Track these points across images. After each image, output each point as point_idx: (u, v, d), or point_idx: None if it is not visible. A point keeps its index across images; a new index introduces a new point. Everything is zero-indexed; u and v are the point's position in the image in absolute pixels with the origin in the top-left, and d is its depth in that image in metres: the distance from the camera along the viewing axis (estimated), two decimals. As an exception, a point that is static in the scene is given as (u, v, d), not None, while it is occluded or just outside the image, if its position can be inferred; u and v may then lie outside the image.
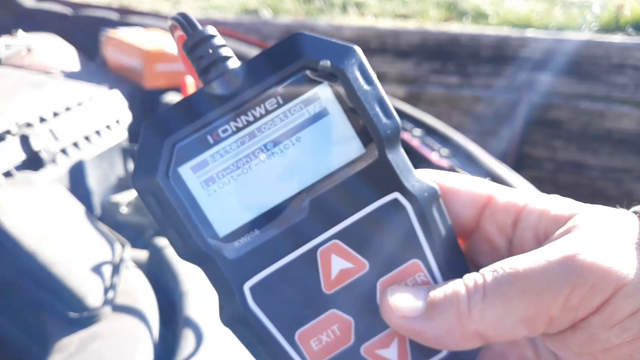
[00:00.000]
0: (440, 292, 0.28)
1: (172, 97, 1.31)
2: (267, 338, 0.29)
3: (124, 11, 1.82)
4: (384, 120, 0.29)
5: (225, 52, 0.29)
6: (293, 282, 0.29)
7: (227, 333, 0.31)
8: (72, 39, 1.53)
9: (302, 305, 0.30)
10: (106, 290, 0.73)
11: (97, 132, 1.13)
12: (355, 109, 0.29)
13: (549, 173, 2.82)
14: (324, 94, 0.29)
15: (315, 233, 0.29)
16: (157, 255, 0.85)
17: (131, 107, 1.27)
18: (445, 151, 1.27)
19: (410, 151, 1.28)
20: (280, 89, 0.28)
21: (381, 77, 2.62)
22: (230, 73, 0.28)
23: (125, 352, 0.65)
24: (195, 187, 0.28)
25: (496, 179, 1.13)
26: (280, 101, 0.28)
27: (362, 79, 0.29)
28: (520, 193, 0.32)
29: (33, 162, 0.94)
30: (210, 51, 0.29)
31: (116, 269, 0.76)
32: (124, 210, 1.03)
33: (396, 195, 0.30)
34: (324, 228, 0.29)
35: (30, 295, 0.72)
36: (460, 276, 0.29)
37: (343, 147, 0.29)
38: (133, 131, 1.24)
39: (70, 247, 0.77)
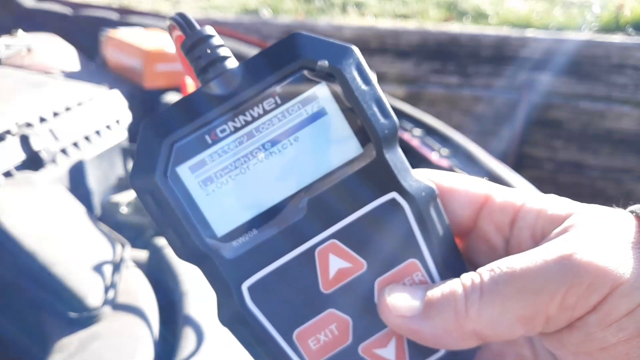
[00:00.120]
0: (438, 291, 0.29)
1: (172, 97, 1.31)
2: (265, 337, 0.30)
3: (124, 11, 1.82)
4: (382, 120, 0.29)
5: (223, 52, 0.29)
6: (291, 282, 0.29)
7: (227, 333, 0.31)
8: (72, 39, 1.53)
9: (300, 304, 0.30)
10: (106, 290, 0.73)
11: (97, 132, 1.14)
12: (353, 109, 0.29)
13: (549, 173, 2.82)
14: (322, 93, 0.29)
15: (313, 233, 0.29)
16: (157, 255, 0.85)
17: (131, 107, 1.27)
18: (445, 151, 1.27)
19: (410, 151, 1.28)
20: (278, 88, 0.29)
21: (381, 77, 2.62)
22: (229, 73, 0.28)
23: (125, 352, 0.65)
24: (193, 186, 0.28)
25: (496, 179, 1.13)
26: (279, 101, 0.29)
27: (359, 79, 0.29)
28: (517, 193, 0.32)
29: (33, 162, 0.94)
30: (209, 51, 0.29)
31: (116, 269, 0.77)
32: (124, 210, 1.03)
33: (394, 194, 0.30)
34: (322, 228, 0.29)
35: (30, 295, 0.72)
36: (458, 275, 0.29)
37: (341, 146, 0.29)
38: (133, 131, 1.24)
39: (70, 247, 0.77)
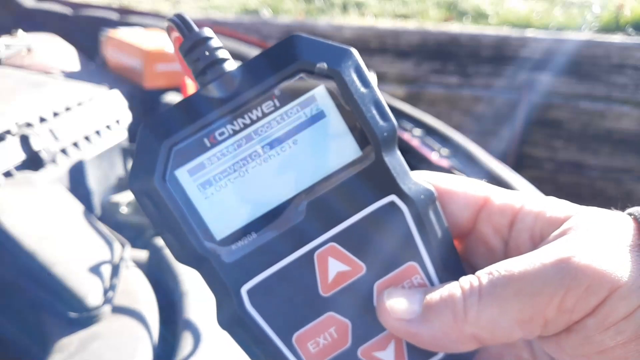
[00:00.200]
0: (437, 294, 0.29)
1: (172, 97, 1.31)
2: (264, 341, 0.30)
3: (124, 11, 1.82)
4: (381, 122, 0.29)
5: (221, 54, 0.29)
6: (290, 285, 0.29)
7: (227, 334, 0.31)
8: (72, 39, 1.53)
9: (299, 308, 0.30)
10: (106, 290, 0.73)
11: (97, 132, 1.13)
12: (351, 112, 0.29)
13: (549, 173, 2.82)
14: (320, 96, 0.29)
15: (312, 236, 0.29)
16: (157, 255, 0.85)
17: (131, 107, 1.27)
18: (445, 151, 1.27)
19: (410, 151, 1.28)
20: (277, 91, 0.28)
21: (381, 77, 2.62)
22: (227, 75, 0.28)
23: (125, 352, 0.65)
24: (192, 190, 0.28)
25: (496, 179, 1.13)
26: (277, 104, 0.29)
27: (358, 81, 0.29)
28: (516, 195, 0.32)
29: (33, 162, 0.94)
30: (207, 53, 0.29)
31: (116, 269, 0.77)
32: (124, 210, 1.03)
33: (393, 197, 0.30)
34: (321, 231, 0.29)
35: (30, 295, 0.72)
36: (457, 278, 0.29)
37: (340, 149, 0.29)
38: (133, 131, 1.24)
39: (70, 247, 0.78)
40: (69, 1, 1.86)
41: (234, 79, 0.28)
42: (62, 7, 1.79)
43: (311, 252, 0.30)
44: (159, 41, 1.41)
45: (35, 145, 0.94)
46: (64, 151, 1.03)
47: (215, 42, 0.29)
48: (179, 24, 0.29)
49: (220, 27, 1.78)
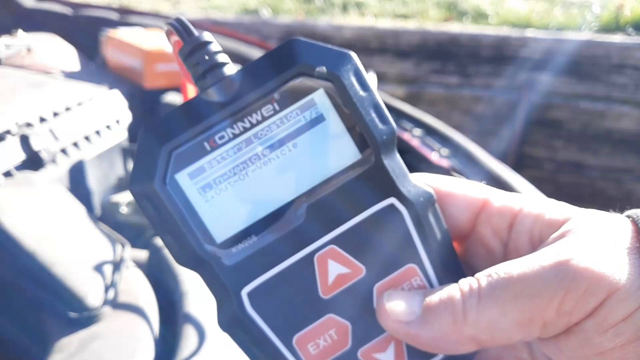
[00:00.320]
0: (436, 296, 0.29)
1: (172, 97, 1.32)
2: (265, 343, 0.30)
3: (124, 11, 1.82)
4: (380, 125, 0.29)
5: (221, 58, 0.29)
6: (290, 288, 0.30)
7: (227, 335, 0.31)
8: (72, 39, 1.53)
9: (299, 310, 0.30)
10: (106, 290, 0.73)
11: (97, 132, 1.14)
12: (351, 115, 0.29)
13: (549, 173, 2.83)
14: (320, 100, 0.29)
15: (312, 238, 0.30)
16: (157, 255, 0.85)
17: (131, 107, 1.27)
18: (445, 151, 1.27)
19: (410, 151, 1.28)
20: (276, 95, 0.29)
21: (381, 77, 2.62)
22: (227, 79, 0.28)
23: (125, 352, 0.65)
24: (192, 193, 0.28)
25: (496, 179, 1.13)
26: (277, 107, 0.29)
27: (357, 84, 0.29)
28: (515, 197, 0.32)
29: (33, 162, 0.94)
30: (207, 57, 0.29)
31: (116, 269, 0.77)
32: (124, 210, 1.04)
33: (392, 200, 0.30)
34: (321, 233, 0.30)
35: (30, 295, 0.72)
36: (456, 280, 0.29)
37: (339, 152, 0.29)
38: (133, 131, 1.24)
39: (70, 247, 0.78)
40: (69, 1, 1.86)
41: (233, 82, 0.28)
42: (62, 7, 1.79)
43: (311, 255, 0.30)
44: (159, 41, 1.41)
45: (35, 145, 0.94)
46: (64, 151, 1.03)
47: (215, 46, 0.29)
48: (179, 28, 0.29)
49: (220, 27, 1.78)
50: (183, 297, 0.74)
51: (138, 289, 0.77)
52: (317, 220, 0.29)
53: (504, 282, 0.27)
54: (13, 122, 0.95)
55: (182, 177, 0.28)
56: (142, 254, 0.89)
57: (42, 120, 1.02)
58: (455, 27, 3.11)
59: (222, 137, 0.28)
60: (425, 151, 1.27)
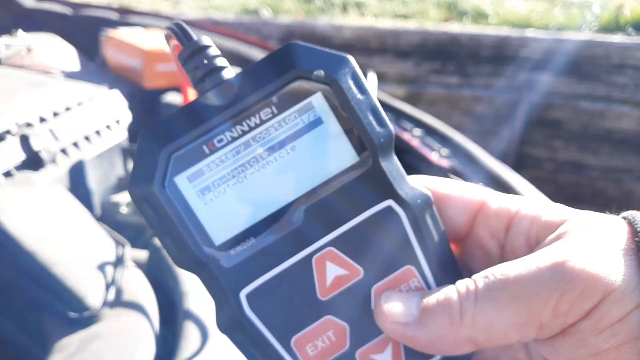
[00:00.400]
0: (433, 298, 0.29)
1: (172, 97, 1.32)
2: (263, 344, 0.30)
3: (124, 11, 1.82)
4: (377, 128, 0.29)
5: (220, 62, 0.29)
6: (289, 289, 0.30)
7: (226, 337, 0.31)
8: (72, 39, 1.53)
9: (297, 311, 0.30)
10: (106, 290, 0.73)
11: (97, 132, 1.14)
12: (349, 118, 0.29)
13: (549, 173, 2.83)
14: (317, 103, 0.29)
15: (310, 240, 0.30)
16: (157, 255, 0.85)
17: (131, 107, 1.27)
18: (445, 151, 1.28)
19: (410, 151, 1.28)
20: (275, 98, 0.29)
21: (381, 77, 2.63)
22: (226, 83, 0.29)
23: (125, 352, 0.65)
24: (191, 196, 0.29)
25: (496, 179, 1.13)
26: (275, 111, 0.29)
27: (355, 88, 0.29)
28: (512, 199, 0.32)
29: (33, 162, 0.94)
30: (205, 62, 0.29)
31: (116, 269, 0.77)
32: (124, 210, 1.04)
33: (390, 202, 0.30)
34: (319, 235, 0.30)
35: (30, 295, 0.72)
36: (454, 282, 0.29)
37: (337, 155, 0.30)
38: (133, 131, 1.24)
39: (70, 247, 0.78)
40: (69, 1, 1.86)
41: (232, 86, 0.29)
42: (62, 7, 1.79)
43: (309, 257, 0.30)
44: (159, 41, 1.41)
45: (35, 145, 0.94)
46: (64, 151, 1.03)
47: (214, 50, 0.29)
48: (178, 32, 0.29)
49: (220, 27, 1.78)
50: (183, 297, 0.74)
51: (138, 289, 0.77)
52: (315, 222, 0.30)
53: (500, 283, 0.27)
54: (13, 122, 0.95)
55: (181, 180, 0.28)
56: (142, 254, 0.89)
57: (42, 120, 1.02)
58: (455, 27, 3.11)
59: (220, 140, 0.29)
60: (425, 151, 1.27)
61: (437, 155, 1.26)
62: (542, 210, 0.31)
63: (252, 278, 0.29)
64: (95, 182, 1.08)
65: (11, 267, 0.74)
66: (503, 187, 1.09)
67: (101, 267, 0.76)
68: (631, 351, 0.26)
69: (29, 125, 0.97)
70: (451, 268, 0.32)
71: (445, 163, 1.23)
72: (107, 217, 1.05)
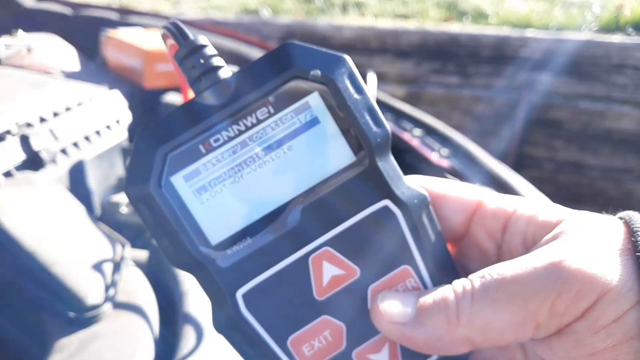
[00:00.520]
0: (430, 297, 0.29)
1: (172, 97, 1.32)
2: (259, 344, 0.30)
3: (124, 11, 1.82)
4: (374, 128, 0.29)
5: (216, 61, 0.29)
6: (285, 289, 0.30)
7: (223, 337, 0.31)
8: (72, 39, 1.53)
9: (294, 311, 0.30)
10: (106, 290, 0.73)
11: (97, 132, 1.14)
12: (345, 118, 0.29)
13: (549, 173, 2.83)
14: (314, 103, 0.29)
15: (307, 240, 0.30)
16: (157, 255, 0.85)
17: (131, 107, 1.27)
18: (445, 151, 1.28)
19: (410, 151, 1.28)
20: (271, 98, 0.29)
21: (381, 77, 2.63)
22: (222, 82, 0.29)
23: (125, 352, 0.65)
24: (187, 196, 0.29)
25: (496, 179, 1.13)
26: (272, 110, 0.29)
27: (352, 88, 0.29)
28: (509, 199, 0.33)
29: (33, 162, 0.94)
30: (202, 61, 0.29)
31: (116, 269, 0.77)
32: (124, 210, 1.04)
33: (386, 202, 0.30)
34: (316, 235, 0.30)
35: (30, 295, 0.72)
36: (450, 282, 0.29)
37: (334, 155, 0.30)
38: (133, 131, 1.24)
39: (70, 247, 0.78)
40: (69, 1, 1.86)
41: (228, 86, 0.29)
42: (62, 7, 1.79)
43: (306, 256, 0.30)
44: (159, 41, 1.41)
45: (35, 145, 0.94)
46: (64, 151, 1.03)
47: (210, 49, 0.29)
48: (174, 32, 0.29)
49: (220, 27, 1.78)
50: (183, 297, 0.75)
51: (138, 288, 0.77)
52: (312, 222, 0.30)
53: (497, 283, 0.27)
54: (13, 122, 0.95)
55: (178, 180, 0.28)
56: (142, 254, 0.89)
57: (42, 120, 1.02)
58: (455, 27, 3.11)
59: (217, 140, 0.29)
60: (425, 151, 1.27)
61: (437, 156, 1.26)
62: (539, 210, 0.31)
63: (248, 278, 0.29)
64: (95, 182, 1.08)
65: (11, 267, 0.74)
66: (503, 187, 1.09)
67: (101, 267, 0.76)
68: (627, 351, 0.26)
69: (29, 125, 0.98)
70: (448, 268, 0.32)
71: (445, 163, 1.23)
72: (107, 217, 1.05)
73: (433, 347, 0.29)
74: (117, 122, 1.21)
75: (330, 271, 0.30)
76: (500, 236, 0.32)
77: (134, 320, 0.71)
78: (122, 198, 1.07)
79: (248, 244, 0.29)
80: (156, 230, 0.28)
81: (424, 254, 0.31)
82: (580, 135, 2.74)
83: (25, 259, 0.72)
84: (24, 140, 0.94)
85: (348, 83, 0.29)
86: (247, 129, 0.29)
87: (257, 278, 0.30)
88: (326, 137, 0.30)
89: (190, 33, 0.29)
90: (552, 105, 2.74)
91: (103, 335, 0.68)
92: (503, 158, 2.23)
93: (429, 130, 1.35)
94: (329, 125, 0.29)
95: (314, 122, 0.29)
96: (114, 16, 1.71)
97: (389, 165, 0.30)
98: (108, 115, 1.19)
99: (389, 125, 0.30)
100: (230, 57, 1.54)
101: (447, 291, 0.29)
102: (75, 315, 0.69)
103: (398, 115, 1.39)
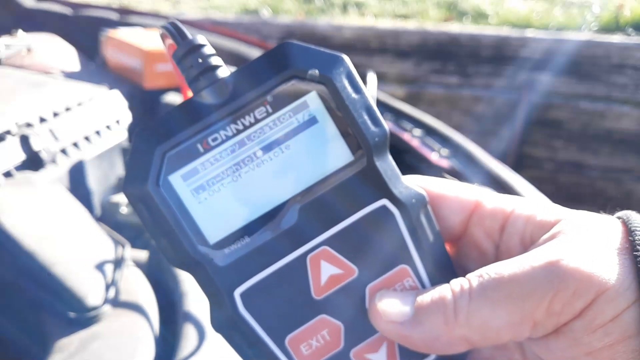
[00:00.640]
0: (427, 297, 0.29)
1: (172, 97, 1.32)
2: (257, 343, 0.30)
3: (124, 11, 1.82)
4: (372, 128, 0.29)
5: (214, 61, 0.29)
6: (283, 288, 0.30)
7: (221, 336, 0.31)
8: (72, 39, 1.53)
9: (292, 310, 0.30)
10: (106, 290, 0.73)
11: (97, 132, 1.14)
12: (343, 117, 0.29)
13: (549, 173, 2.83)
14: (312, 102, 0.29)
15: (304, 239, 0.30)
16: (157, 255, 0.85)
17: (131, 107, 1.27)
18: (445, 151, 1.28)
19: (410, 151, 1.28)
20: (269, 97, 0.29)
21: (381, 77, 2.63)
22: (220, 82, 0.29)
23: (125, 352, 0.65)
24: (185, 195, 0.29)
25: (496, 179, 1.13)
26: (270, 110, 0.29)
27: (350, 87, 0.29)
28: (507, 199, 0.33)
29: (33, 162, 0.94)
30: (200, 60, 0.29)
31: (116, 269, 0.77)
32: (124, 210, 1.04)
33: (384, 201, 0.30)
34: (314, 234, 0.30)
35: (30, 295, 0.73)
36: (448, 281, 0.29)
37: (332, 154, 0.30)
38: (133, 131, 1.24)
39: (70, 247, 0.78)
40: (69, 1, 1.86)
41: (226, 85, 0.29)
42: (62, 7, 1.79)
43: (304, 256, 0.30)
44: (159, 41, 1.41)
45: (35, 145, 0.95)
46: (64, 151, 1.03)
47: (208, 49, 0.29)
48: (173, 31, 0.29)
49: (220, 27, 1.79)
50: (183, 297, 0.75)
51: (138, 288, 0.77)
52: (310, 221, 0.30)
53: (494, 282, 0.27)
54: (13, 122, 0.95)
55: (176, 179, 0.28)
56: (142, 254, 0.89)
57: (42, 120, 1.02)
58: (455, 27, 3.11)
59: (215, 139, 0.29)
60: (425, 151, 1.27)
61: (437, 156, 1.26)
62: (537, 210, 0.31)
63: (246, 277, 0.29)
64: (95, 182, 1.08)
65: (11, 267, 0.74)
66: (503, 187, 1.09)
67: (101, 267, 0.76)
68: (625, 350, 0.26)
69: (29, 125, 0.98)
70: (446, 267, 0.32)
71: (445, 163, 1.23)
72: (107, 217, 1.05)
73: (431, 346, 0.29)
74: (117, 122, 1.21)
75: (328, 270, 0.30)
76: (498, 236, 0.32)
77: (134, 320, 0.71)
78: (122, 198, 1.07)
79: (246, 243, 0.30)
80: (154, 229, 0.28)
81: (422, 254, 0.31)
82: (580, 135, 2.74)
83: (25, 259, 0.72)
84: (24, 140, 0.94)
85: (346, 82, 0.29)
86: (245, 128, 0.29)
87: (255, 277, 0.30)
88: (324, 136, 0.30)
89: (189, 32, 0.29)
90: (552, 105, 2.74)
91: (103, 335, 0.68)
92: (503, 158, 2.23)
93: (429, 131, 1.35)
94: (327, 124, 0.29)
95: (312, 121, 0.29)
96: (113, 16, 1.71)
97: (387, 164, 0.30)
98: (108, 115, 1.19)
99: (387, 125, 0.30)
100: (230, 57, 1.54)
101: (444, 290, 0.29)
102: (76, 315, 0.69)
103: (398, 115, 1.39)
